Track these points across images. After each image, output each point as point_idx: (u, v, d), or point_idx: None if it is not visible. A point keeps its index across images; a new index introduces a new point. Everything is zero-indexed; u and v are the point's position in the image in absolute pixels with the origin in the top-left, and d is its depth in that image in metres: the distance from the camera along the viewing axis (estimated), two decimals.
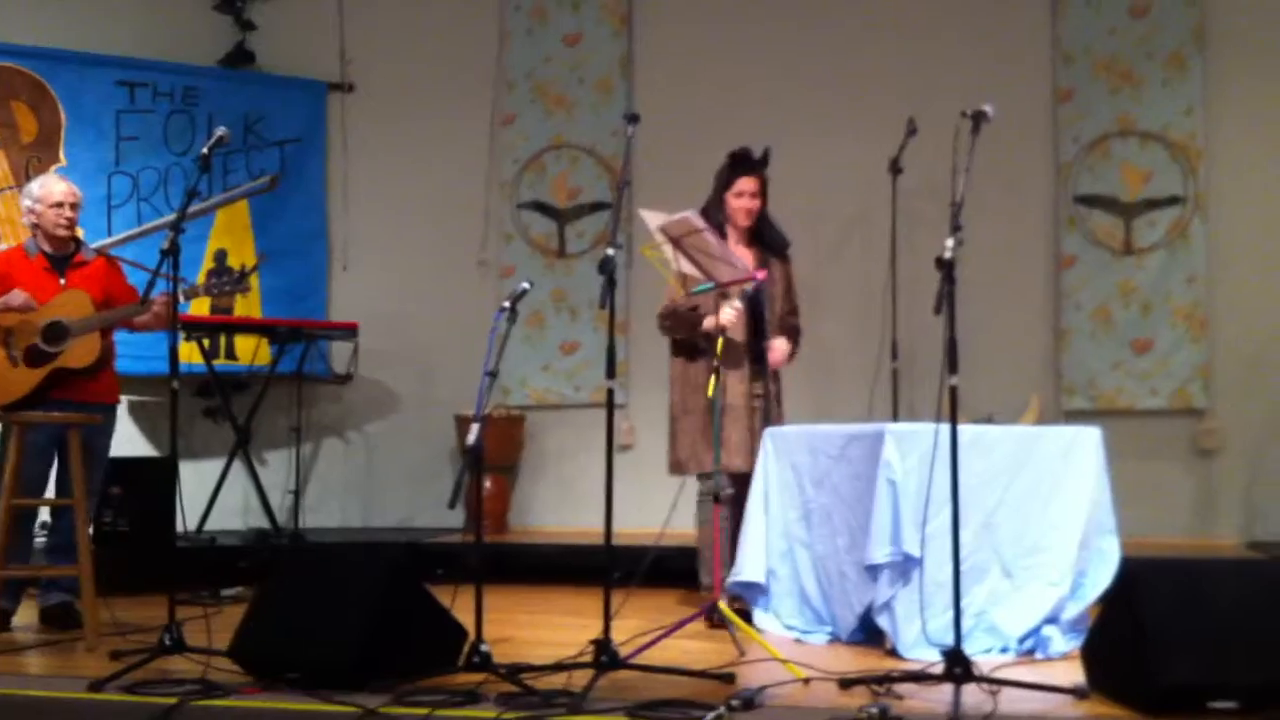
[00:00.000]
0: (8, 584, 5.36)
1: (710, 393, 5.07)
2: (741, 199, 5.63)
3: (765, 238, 5.72)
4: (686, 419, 5.63)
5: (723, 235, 5.42)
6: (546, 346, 8.10)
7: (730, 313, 5.29)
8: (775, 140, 7.62)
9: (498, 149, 8.35)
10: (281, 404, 7.88)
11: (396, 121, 8.36)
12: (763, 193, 5.68)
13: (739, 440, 5.51)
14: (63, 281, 5.52)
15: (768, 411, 5.62)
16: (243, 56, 8.43)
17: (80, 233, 7.31)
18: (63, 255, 5.58)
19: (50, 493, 5.54)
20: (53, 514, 5.65)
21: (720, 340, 5.10)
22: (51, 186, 5.58)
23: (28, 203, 5.58)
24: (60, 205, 5.53)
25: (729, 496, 5.55)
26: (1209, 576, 3.82)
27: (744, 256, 5.52)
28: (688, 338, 5.61)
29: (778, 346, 5.60)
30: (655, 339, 7.54)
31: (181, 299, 4.94)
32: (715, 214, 5.64)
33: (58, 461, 5.50)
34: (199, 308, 7.60)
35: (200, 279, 7.87)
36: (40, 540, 5.83)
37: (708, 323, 5.40)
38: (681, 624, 4.87)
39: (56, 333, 5.38)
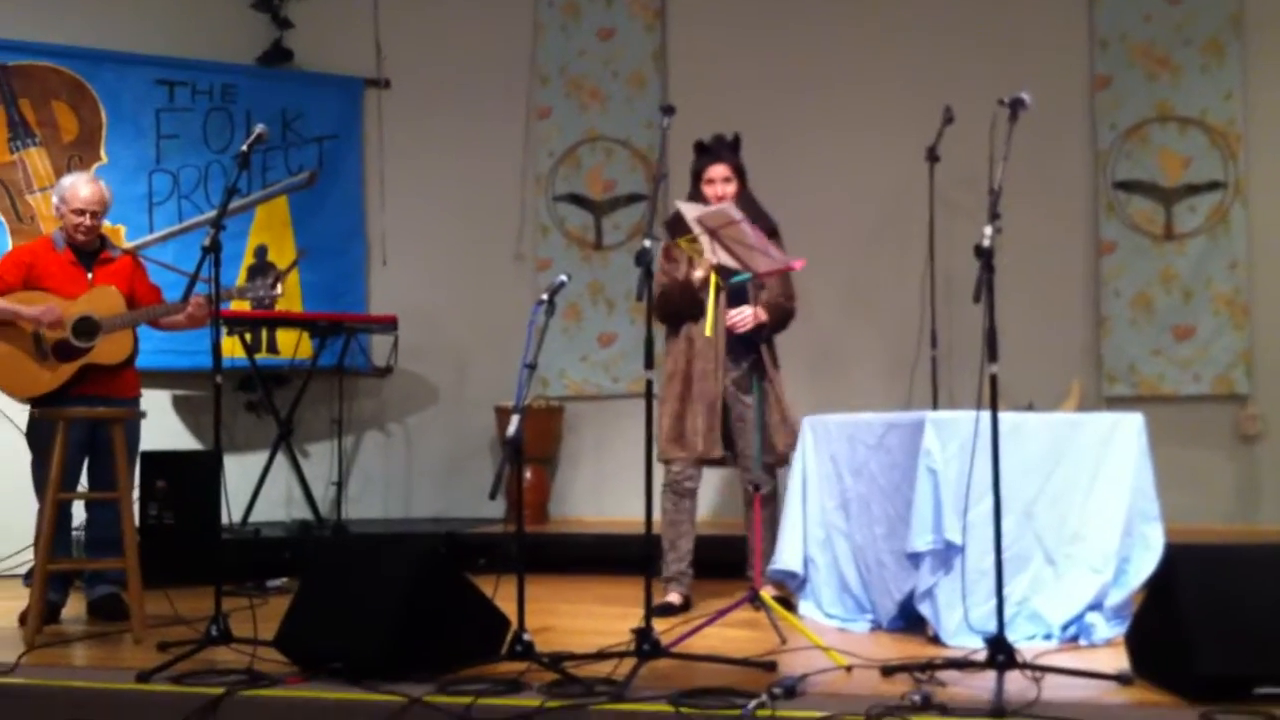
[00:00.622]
0: (54, 577, 5.41)
1: (709, 331, 5.05)
2: (712, 186, 5.56)
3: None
4: (662, 406, 5.60)
5: None
6: (584, 338, 8.13)
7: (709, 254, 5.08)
8: (810, 131, 7.73)
9: (532, 142, 8.38)
10: (322, 397, 7.95)
11: (432, 117, 8.40)
12: (740, 177, 5.61)
13: (704, 427, 5.46)
14: (90, 276, 5.56)
15: (763, 410, 5.44)
16: (280, 54, 8.48)
17: (121, 229, 7.44)
18: (90, 250, 5.62)
19: (81, 487, 5.61)
20: (89, 508, 5.71)
21: (714, 278, 5.00)
22: (79, 189, 5.52)
23: (55, 199, 5.61)
24: (81, 213, 5.51)
25: (690, 490, 5.57)
26: (1252, 563, 3.80)
27: None
28: (685, 301, 5.50)
29: (739, 310, 5.42)
30: None
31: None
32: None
33: (89, 456, 5.56)
34: (240, 303, 7.66)
35: (241, 275, 7.95)
36: (77, 534, 5.90)
37: (697, 274, 5.38)
38: (722, 613, 4.88)
39: (87, 328, 5.43)
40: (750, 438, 5.44)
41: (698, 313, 5.43)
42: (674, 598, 5.51)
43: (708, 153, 5.65)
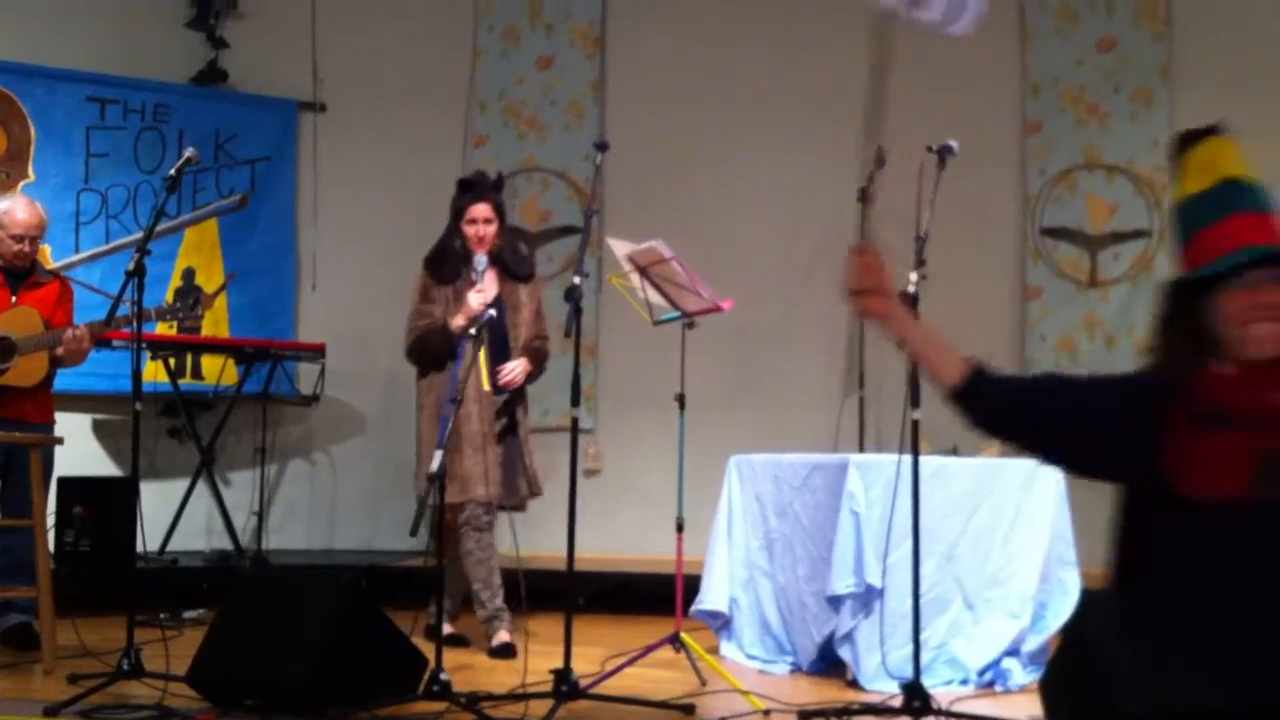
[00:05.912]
0: None
1: (485, 385, 5.00)
2: (474, 226, 5.48)
3: (506, 262, 5.57)
4: (424, 449, 5.54)
5: (466, 262, 5.31)
6: None
7: (477, 298, 5.13)
8: (746, 167, 7.75)
9: (469, 170, 8.29)
10: (247, 424, 7.83)
11: (368, 141, 8.34)
12: (500, 216, 5.57)
13: (479, 470, 5.36)
14: (14, 299, 5.47)
15: (518, 441, 5.54)
16: (215, 74, 8.38)
17: (47, 249, 7.31)
18: (19, 271, 5.53)
19: None
20: None
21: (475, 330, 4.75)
22: (16, 215, 5.46)
23: None
24: (20, 239, 5.45)
25: (487, 524, 5.46)
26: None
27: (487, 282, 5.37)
28: (444, 348, 5.36)
29: (510, 367, 5.45)
30: (625, 363, 7.59)
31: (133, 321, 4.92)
32: (454, 242, 5.57)
33: (1, 482, 5.45)
34: (166, 326, 7.54)
35: (168, 298, 7.80)
36: None
37: (457, 321, 5.29)
38: (643, 653, 4.87)
39: (4, 348, 5.34)
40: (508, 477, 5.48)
41: (452, 359, 5.24)
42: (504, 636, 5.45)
43: (470, 191, 5.59)
